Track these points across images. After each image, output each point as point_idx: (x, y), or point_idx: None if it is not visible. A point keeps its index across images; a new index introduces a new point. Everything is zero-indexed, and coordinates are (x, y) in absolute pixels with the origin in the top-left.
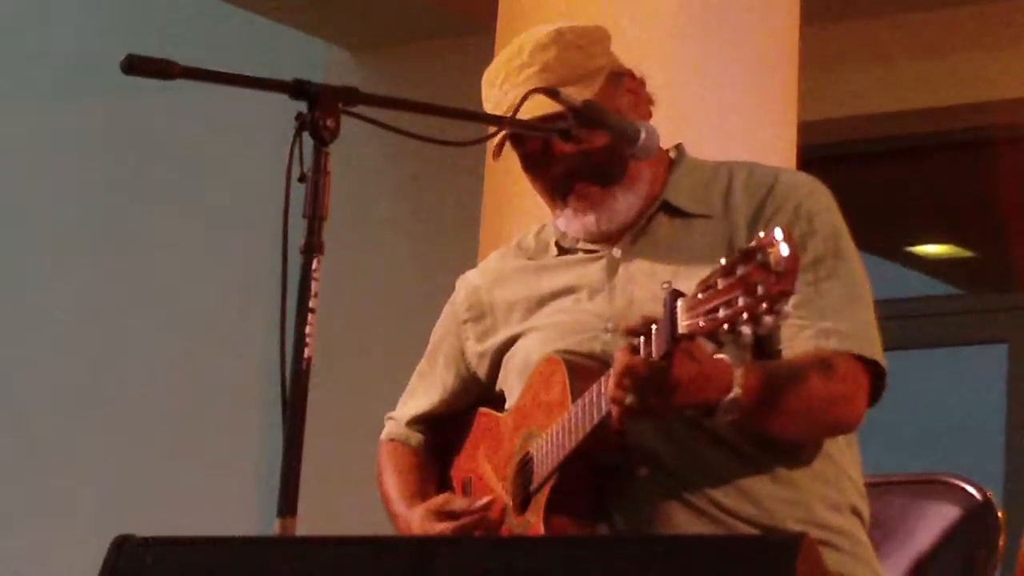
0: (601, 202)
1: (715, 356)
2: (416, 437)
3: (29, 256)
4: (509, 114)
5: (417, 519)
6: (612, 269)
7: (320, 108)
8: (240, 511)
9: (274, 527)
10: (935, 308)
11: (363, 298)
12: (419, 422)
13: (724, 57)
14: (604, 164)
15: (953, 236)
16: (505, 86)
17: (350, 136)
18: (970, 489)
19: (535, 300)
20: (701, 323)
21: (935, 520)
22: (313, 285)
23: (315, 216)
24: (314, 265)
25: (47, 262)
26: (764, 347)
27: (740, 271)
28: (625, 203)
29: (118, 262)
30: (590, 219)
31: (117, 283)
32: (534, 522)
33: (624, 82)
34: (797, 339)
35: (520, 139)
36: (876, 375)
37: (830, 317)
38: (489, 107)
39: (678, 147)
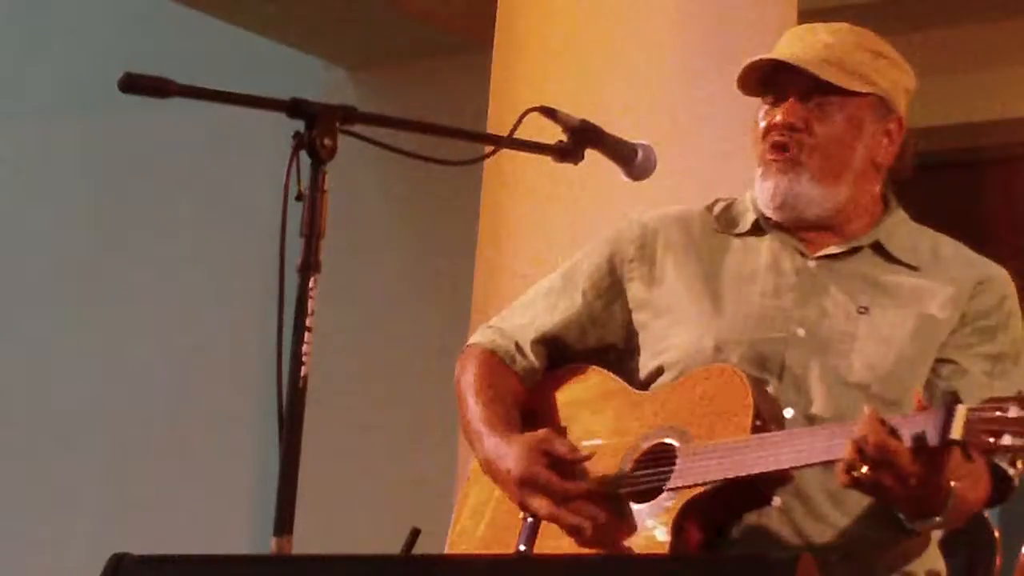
0: (784, 173)
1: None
2: (525, 363)
3: (26, 275)
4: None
5: (515, 453)
6: (805, 275)
7: (318, 127)
8: (236, 530)
9: (270, 546)
10: None
11: (361, 317)
12: (542, 343)
13: (724, 78)
14: (818, 152)
15: None
16: (792, 41)
17: (347, 155)
18: None
19: (715, 275)
20: (980, 440)
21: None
22: (310, 304)
23: (312, 235)
24: (311, 284)
25: (44, 281)
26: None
27: None
28: (807, 192)
29: (114, 281)
30: (768, 185)
31: (114, 301)
32: (661, 519)
33: (887, 118)
34: None
35: (780, 76)
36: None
37: None
38: (776, 49)
39: (892, 199)
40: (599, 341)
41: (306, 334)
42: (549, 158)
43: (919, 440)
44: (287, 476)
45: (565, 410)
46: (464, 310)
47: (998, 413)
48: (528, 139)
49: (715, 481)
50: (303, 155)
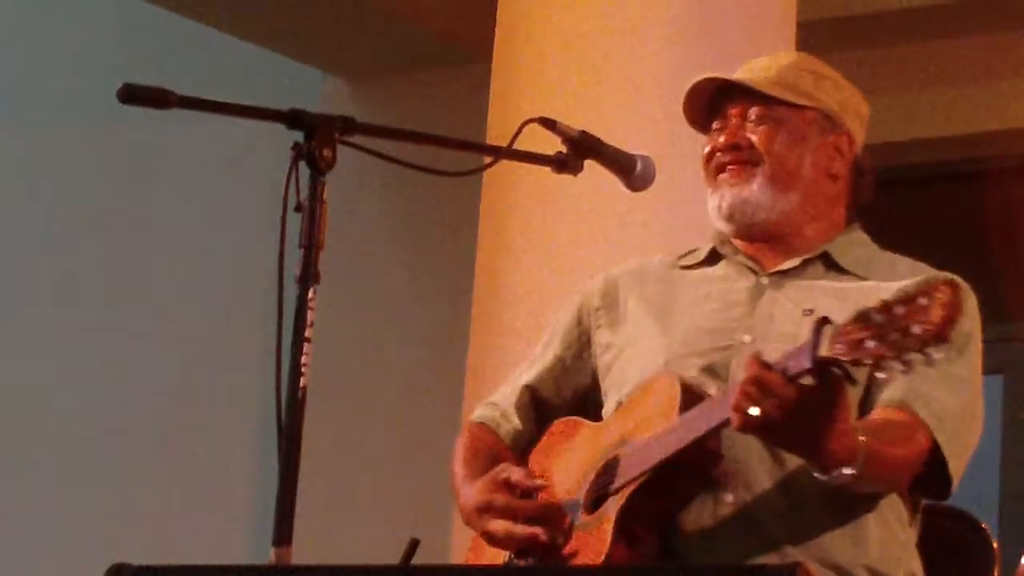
0: (734, 185)
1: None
2: (509, 426)
3: (25, 286)
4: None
5: (474, 491)
6: (757, 292)
7: (317, 138)
8: (235, 540)
9: (269, 556)
10: None
11: (360, 328)
12: (523, 404)
13: None
14: (766, 161)
15: (947, 267)
16: (742, 68)
17: (346, 165)
18: (965, 520)
19: (670, 306)
20: (846, 350)
21: (930, 552)
22: (309, 315)
23: (311, 245)
24: (310, 295)
25: (43, 292)
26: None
27: (898, 310)
28: (757, 197)
29: (114, 292)
30: (716, 196)
31: (112, 312)
32: (605, 521)
33: (835, 133)
34: (893, 387)
35: (724, 103)
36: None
37: (931, 389)
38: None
39: (855, 222)
40: (575, 390)
41: (305, 345)
42: (548, 169)
43: (796, 366)
44: (286, 486)
45: (546, 464)
46: (464, 321)
47: (862, 323)
48: (527, 150)
49: (645, 471)
50: (302, 166)
